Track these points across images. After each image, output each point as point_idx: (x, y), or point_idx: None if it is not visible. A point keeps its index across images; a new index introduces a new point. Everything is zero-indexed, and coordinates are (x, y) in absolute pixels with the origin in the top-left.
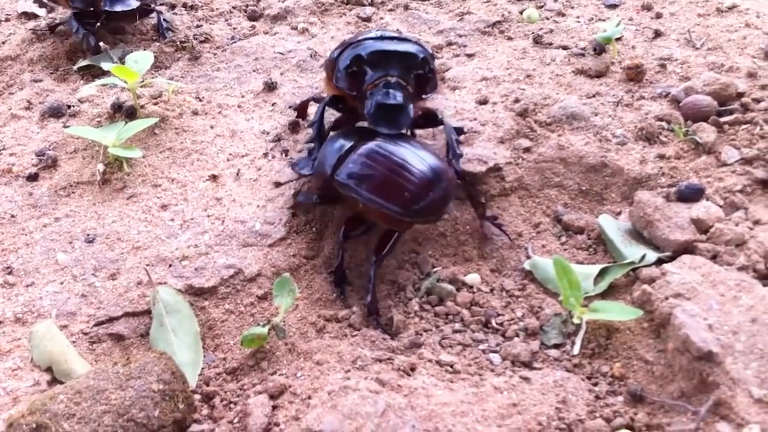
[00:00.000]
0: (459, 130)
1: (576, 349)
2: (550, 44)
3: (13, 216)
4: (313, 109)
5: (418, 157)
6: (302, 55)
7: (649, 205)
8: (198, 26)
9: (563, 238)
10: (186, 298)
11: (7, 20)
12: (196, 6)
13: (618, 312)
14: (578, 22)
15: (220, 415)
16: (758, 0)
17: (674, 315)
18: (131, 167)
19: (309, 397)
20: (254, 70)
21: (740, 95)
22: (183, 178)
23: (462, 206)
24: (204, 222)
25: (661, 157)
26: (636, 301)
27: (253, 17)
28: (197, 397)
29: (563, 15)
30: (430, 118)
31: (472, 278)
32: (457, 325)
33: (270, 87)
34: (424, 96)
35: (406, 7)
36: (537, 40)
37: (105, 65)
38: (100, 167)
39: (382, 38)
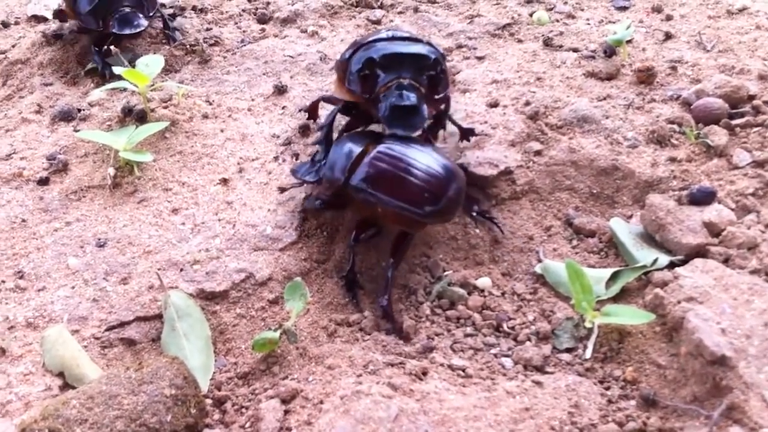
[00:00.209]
0: (470, 131)
1: (588, 353)
2: (560, 47)
3: (24, 220)
4: (323, 111)
5: (430, 158)
6: (312, 58)
7: (660, 209)
8: (208, 29)
9: (574, 242)
10: (197, 303)
11: (16, 23)
12: (205, 9)
13: (630, 316)
14: (588, 24)
15: (231, 419)
16: None
17: (687, 319)
18: (142, 171)
19: (321, 402)
20: (264, 74)
21: (751, 98)
22: (194, 181)
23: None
24: (215, 226)
25: (673, 160)
26: (648, 304)
27: (263, 20)
28: (209, 401)
29: (573, 17)
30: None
31: (483, 282)
32: (469, 329)
33: (280, 90)
34: (436, 96)
35: (416, 10)
36: (547, 43)
37: (116, 69)
38: (111, 171)
39: (393, 39)
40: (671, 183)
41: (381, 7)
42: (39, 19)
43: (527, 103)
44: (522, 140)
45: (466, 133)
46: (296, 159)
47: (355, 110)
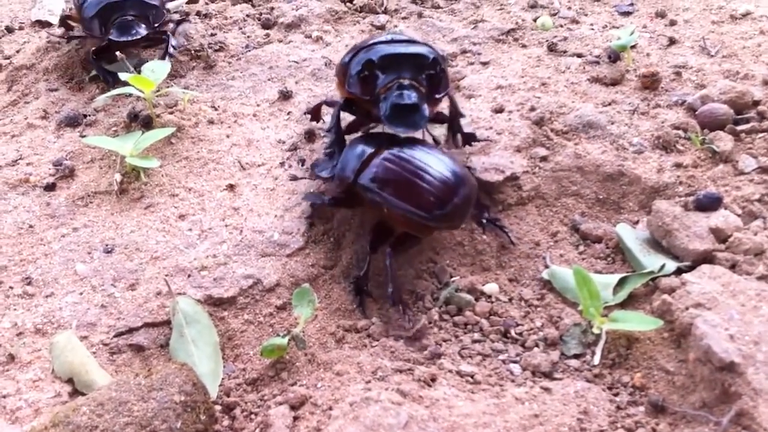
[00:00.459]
0: (472, 136)
1: (596, 360)
2: (565, 52)
3: (31, 226)
4: (327, 116)
5: (441, 163)
6: (317, 63)
7: (667, 215)
8: (212, 35)
9: (581, 248)
10: (205, 309)
11: (20, 28)
12: (210, 14)
13: (638, 322)
14: (592, 29)
15: (241, 426)
16: None
17: (695, 325)
18: (148, 177)
19: (330, 408)
20: (269, 79)
21: (756, 103)
22: (200, 187)
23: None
24: (222, 232)
25: (679, 165)
26: (656, 310)
27: (267, 25)
28: (218, 408)
29: (577, 22)
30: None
31: (491, 288)
32: (477, 335)
33: (285, 96)
34: (437, 96)
35: (420, 15)
36: (551, 48)
37: (122, 75)
38: (118, 177)
39: (392, 42)
40: (677, 189)
41: (385, 12)
42: (43, 24)
43: (532, 109)
44: (528, 146)
45: (467, 138)
46: (302, 164)
47: (357, 110)
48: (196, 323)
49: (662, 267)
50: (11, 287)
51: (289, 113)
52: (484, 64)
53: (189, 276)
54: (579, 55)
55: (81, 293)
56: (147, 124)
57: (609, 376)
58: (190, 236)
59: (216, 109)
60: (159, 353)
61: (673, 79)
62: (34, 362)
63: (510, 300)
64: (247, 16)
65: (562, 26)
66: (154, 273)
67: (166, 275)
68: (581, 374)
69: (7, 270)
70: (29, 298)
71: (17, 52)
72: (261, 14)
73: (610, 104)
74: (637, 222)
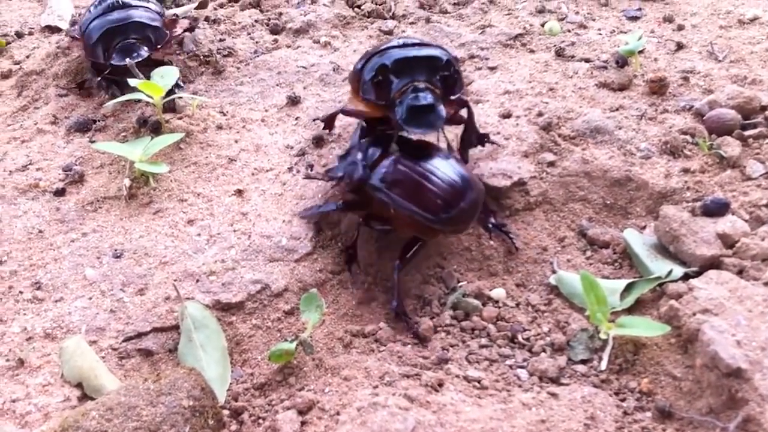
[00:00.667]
0: (485, 136)
1: (603, 365)
2: (572, 57)
3: (41, 231)
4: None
5: (450, 167)
6: (325, 68)
7: (674, 220)
8: (221, 40)
9: (588, 253)
10: (213, 314)
11: (30, 34)
12: (218, 20)
13: (645, 327)
14: (600, 34)
15: (249, 430)
16: None
17: (702, 331)
18: (157, 182)
19: (338, 413)
20: (277, 84)
21: (764, 108)
22: (209, 192)
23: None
24: (230, 237)
25: (686, 171)
26: (663, 316)
27: (275, 31)
28: (226, 412)
29: (585, 27)
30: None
31: (498, 293)
32: (484, 341)
33: (293, 101)
34: (452, 97)
35: (428, 20)
36: (559, 53)
37: (131, 81)
38: (127, 182)
39: (404, 46)
40: (685, 194)
41: (393, 17)
42: (53, 29)
43: (540, 114)
44: (535, 151)
45: (481, 139)
46: (310, 170)
47: (371, 117)
48: (205, 328)
49: (669, 272)
50: (21, 292)
51: (297, 118)
52: (492, 69)
53: (197, 281)
54: (587, 60)
55: (90, 298)
56: (156, 129)
57: (616, 381)
58: (199, 241)
59: (224, 115)
60: (167, 358)
61: (681, 84)
62: (44, 367)
63: (517, 305)
64: (256, 21)
65: (569, 31)
66: (162, 278)
67: (175, 280)
68: (588, 379)
69: (17, 275)
70: (39, 303)
71: (27, 57)
72: (269, 19)
73: (617, 109)
74: (644, 227)
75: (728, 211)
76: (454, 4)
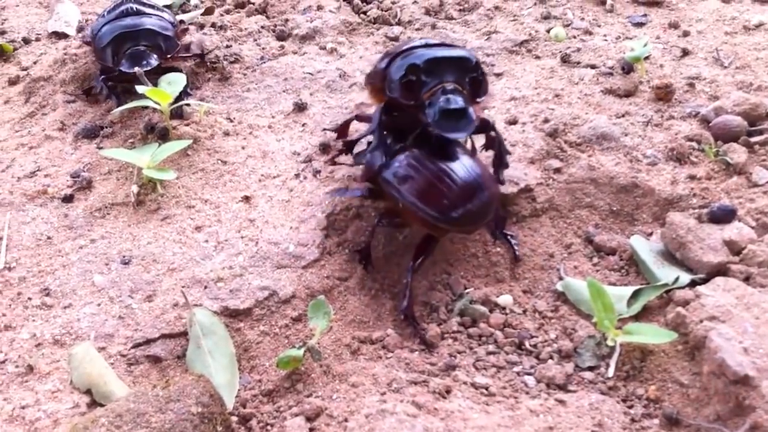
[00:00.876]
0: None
1: (611, 372)
2: (578, 63)
3: (49, 237)
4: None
5: (463, 166)
6: (331, 75)
7: (681, 227)
8: (227, 46)
9: (595, 259)
10: (221, 320)
11: (37, 39)
12: (225, 26)
13: (652, 335)
14: (605, 40)
15: None
16: None
17: (710, 338)
18: (165, 188)
19: (346, 420)
20: (284, 91)
21: None
22: (216, 199)
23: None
24: (238, 243)
25: (692, 177)
26: (670, 323)
27: (282, 37)
28: (234, 419)
29: (590, 33)
30: (482, 126)
31: (505, 299)
32: (491, 347)
33: (300, 107)
34: (478, 100)
35: (434, 26)
36: (565, 59)
37: (139, 88)
38: (135, 189)
39: (429, 45)
40: (691, 201)
41: (399, 23)
42: (59, 35)
43: (546, 120)
44: (541, 158)
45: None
46: (317, 176)
47: (395, 114)
48: (213, 334)
49: (676, 279)
50: (30, 298)
51: (303, 125)
52: (498, 75)
53: (205, 287)
54: (592, 67)
55: (99, 304)
56: (163, 136)
57: (623, 388)
58: (207, 248)
59: (231, 121)
60: (176, 364)
61: (687, 91)
62: (53, 373)
63: (524, 312)
64: (262, 27)
65: (575, 37)
66: (170, 284)
67: (183, 287)
68: (595, 386)
69: (25, 281)
70: (48, 309)
71: (34, 63)
72: (275, 26)
73: (623, 116)
74: (650, 234)
75: (735, 217)
76: (460, 10)
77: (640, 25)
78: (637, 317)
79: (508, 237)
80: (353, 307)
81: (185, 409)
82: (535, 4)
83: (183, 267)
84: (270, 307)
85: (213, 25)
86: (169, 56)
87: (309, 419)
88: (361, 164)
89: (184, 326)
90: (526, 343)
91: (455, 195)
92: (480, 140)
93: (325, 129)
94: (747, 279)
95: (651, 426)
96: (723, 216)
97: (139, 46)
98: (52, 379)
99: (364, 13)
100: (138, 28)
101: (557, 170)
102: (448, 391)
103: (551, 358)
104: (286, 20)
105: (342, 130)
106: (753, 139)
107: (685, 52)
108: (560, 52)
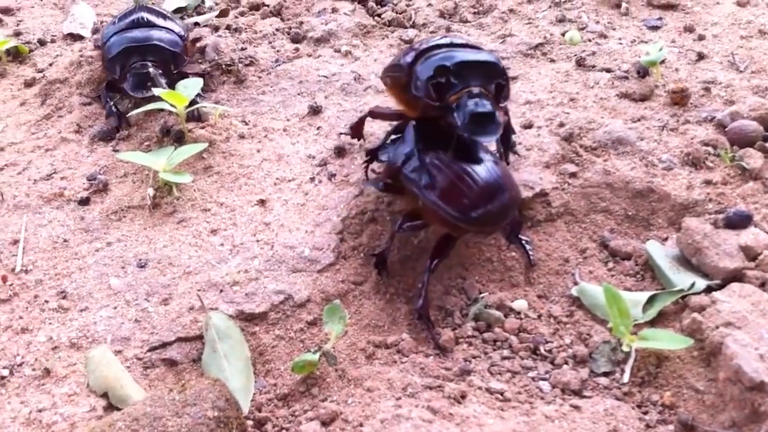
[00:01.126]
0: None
1: (626, 378)
2: (593, 67)
3: (65, 240)
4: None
5: (485, 167)
6: (346, 78)
7: (697, 232)
8: (242, 49)
9: (610, 264)
10: (237, 324)
11: (53, 41)
12: (240, 29)
13: (668, 340)
14: (620, 44)
15: None
16: None
17: (726, 345)
18: (180, 191)
19: (361, 425)
20: (299, 94)
21: None
22: (231, 202)
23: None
24: (253, 247)
25: (708, 182)
26: (686, 329)
27: (296, 40)
28: (250, 423)
29: (605, 37)
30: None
31: (520, 304)
32: (506, 352)
33: (315, 111)
34: (501, 105)
35: (448, 29)
36: (580, 63)
37: (155, 90)
38: (150, 192)
39: (455, 45)
40: (707, 206)
41: (413, 26)
42: (75, 37)
43: (561, 125)
44: (557, 162)
45: (512, 146)
46: (332, 179)
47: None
48: (228, 338)
49: (692, 285)
50: (46, 301)
51: (318, 128)
52: (513, 78)
53: (221, 291)
54: (608, 70)
55: (115, 307)
56: (179, 139)
57: (638, 394)
58: (222, 251)
59: (246, 124)
60: (191, 368)
61: (702, 95)
62: (70, 376)
63: (539, 317)
64: (277, 30)
65: (590, 41)
66: (186, 288)
67: (199, 290)
68: (611, 392)
69: (42, 284)
70: (64, 312)
71: (50, 65)
72: (290, 28)
73: (639, 120)
74: (666, 239)
75: (751, 223)
76: (475, 13)
77: (655, 28)
78: (652, 323)
79: (523, 242)
80: (368, 311)
81: (201, 413)
82: (549, 7)
83: (198, 270)
84: (285, 311)
85: (228, 27)
86: (176, 71)
87: (324, 424)
88: (381, 160)
89: (199, 330)
90: (541, 348)
91: (476, 195)
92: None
93: (341, 133)
94: (763, 285)
95: None
96: (739, 221)
97: (147, 62)
98: (69, 383)
99: (379, 15)
100: (145, 43)
101: (572, 174)
102: (463, 396)
103: (566, 363)
104: (301, 23)
105: (357, 128)
106: None
107: (701, 56)
108: (575, 55)
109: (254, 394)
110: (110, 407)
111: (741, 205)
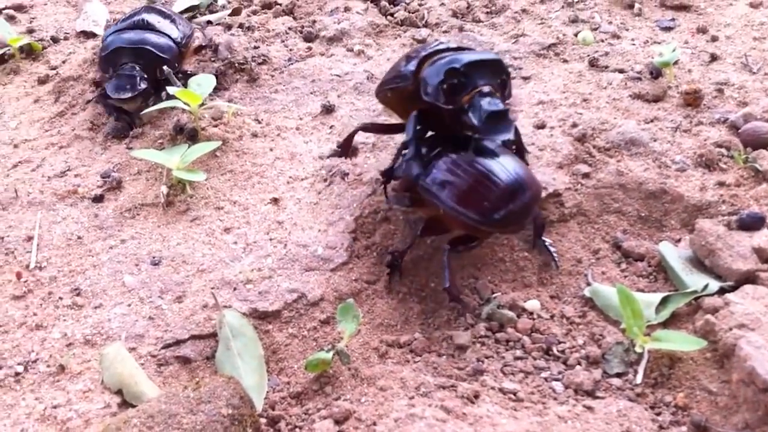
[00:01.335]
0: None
1: (639, 379)
2: (606, 67)
3: (80, 237)
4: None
5: (503, 167)
6: (359, 77)
7: (710, 234)
8: (255, 47)
9: (623, 265)
10: (251, 322)
11: (66, 39)
12: (252, 27)
13: (681, 342)
14: (633, 44)
15: None
16: None
17: (739, 346)
18: (194, 189)
19: (374, 424)
20: (312, 93)
21: None
22: (245, 200)
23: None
24: (267, 245)
25: (721, 184)
26: (699, 330)
27: (309, 38)
28: (263, 421)
29: (618, 37)
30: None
31: (532, 305)
32: (519, 352)
33: (328, 110)
34: (506, 101)
35: (461, 29)
36: (593, 63)
37: (169, 89)
38: (164, 189)
39: (457, 49)
40: (720, 207)
41: (426, 26)
42: (88, 35)
43: (574, 125)
44: (570, 162)
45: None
46: (345, 178)
47: (428, 118)
48: (242, 336)
49: (705, 286)
50: (61, 298)
51: (331, 127)
52: (525, 78)
53: (234, 289)
54: (620, 71)
55: (129, 305)
56: (192, 137)
57: (651, 395)
58: (236, 249)
59: (259, 123)
60: (205, 365)
61: (715, 96)
62: (84, 373)
63: (552, 317)
64: (289, 29)
65: (603, 41)
66: (200, 286)
67: (213, 288)
68: (624, 393)
69: (56, 281)
70: (78, 309)
71: (63, 62)
72: (303, 27)
73: (652, 121)
74: (679, 240)
75: (764, 225)
76: (487, 12)
77: (668, 29)
78: (665, 324)
79: (547, 245)
80: (381, 310)
81: (216, 411)
82: (562, 7)
83: (212, 268)
84: (298, 309)
85: (240, 26)
86: (163, 77)
87: (337, 422)
88: (398, 177)
89: (213, 327)
90: (554, 349)
91: (496, 196)
92: None
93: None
94: None
95: None
96: (752, 223)
97: (135, 65)
98: (84, 379)
99: (391, 15)
100: (136, 46)
101: (585, 175)
102: (476, 396)
103: (579, 364)
104: (314, 21)
105: (346, 145)
106: None
107: (714, 58)
108: (588, 56)
109: (268, 392)
110: (125, 404)
111: (754, 206)
